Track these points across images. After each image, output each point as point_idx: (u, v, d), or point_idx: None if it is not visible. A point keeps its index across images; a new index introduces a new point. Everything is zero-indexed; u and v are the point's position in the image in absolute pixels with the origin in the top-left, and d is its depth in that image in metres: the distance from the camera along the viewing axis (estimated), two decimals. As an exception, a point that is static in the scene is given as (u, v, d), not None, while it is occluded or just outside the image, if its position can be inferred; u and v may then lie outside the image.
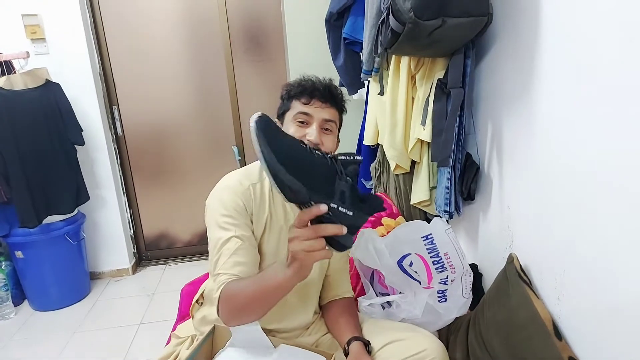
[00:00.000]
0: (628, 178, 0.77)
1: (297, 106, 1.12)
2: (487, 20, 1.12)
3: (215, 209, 1.11)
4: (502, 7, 1.17)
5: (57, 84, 2.50)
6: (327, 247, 0.81)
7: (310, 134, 1.09)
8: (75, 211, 2.62)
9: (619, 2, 0.77)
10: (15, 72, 2.45)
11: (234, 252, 1.04)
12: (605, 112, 0.82)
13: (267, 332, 1.11)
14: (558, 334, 0.99)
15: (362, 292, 1.40)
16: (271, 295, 0.95)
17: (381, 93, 1.48)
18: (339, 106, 1.17)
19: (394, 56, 1.52)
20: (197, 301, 1.29)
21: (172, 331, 1.40)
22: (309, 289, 1.23)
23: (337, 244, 0.82)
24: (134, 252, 3.08)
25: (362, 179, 2.15)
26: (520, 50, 1.10)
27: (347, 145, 2.22)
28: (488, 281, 1.38)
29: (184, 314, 1.49)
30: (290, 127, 1.12)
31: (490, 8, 1.12)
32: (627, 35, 0.75)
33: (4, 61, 2.43)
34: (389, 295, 1.30)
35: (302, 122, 1.11)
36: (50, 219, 2.49)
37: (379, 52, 1.39)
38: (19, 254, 2.49)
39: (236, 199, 1.11)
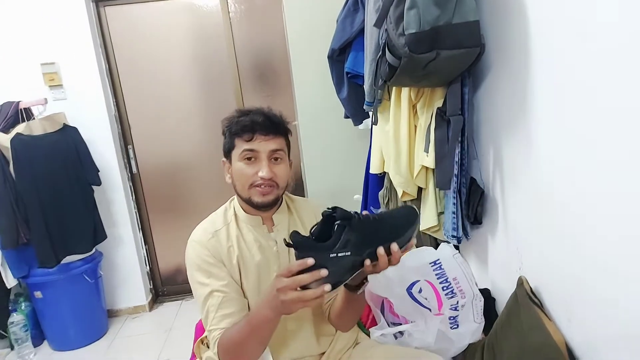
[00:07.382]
0: (632, 195, 0.78)
1: (240, 144, 1.13)
2: (479, 50, 1.16)
3: (189, 265, 1.14)
4: (494, 37, 1.21)
5: (74, 128, 2.60)
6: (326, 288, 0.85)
7: (262, 171, 1.10)
8: (93, 250, 2.67)
9: (602, 28, 0.80)
10: (34, 118, 2.56)
11: (219, 307, 1.07)
12: (598, 132, 0.84)
13: None
14: (572, 357, 0.98)
15: (373, 323, 1.40)
16: (261, 330, 0.98)
17: (375, 123, 1.53)
18: (283, 132, 1.17)
19: (394, 87, 1.56)
20: (202, 341, 1.30)
21: (188, 367, 1.41)
22: (304, 310, 1.17)
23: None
24: (150, 289, 3.10)
25: (371, 207, 2.17)
26: (513, 77, 1.14)
27: (355, 174, 2.26)
28: (501, 305, 1.37)
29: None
30: (239, 165, 1.13)
31: (482, 39, 1.16)
32: (613, 58, 0.78)
33: (24, 108, 2.54)
34: (400, 324, 1.30)
35: (249, 159, 1.12)
36: (69, 258, 2.54)
37: (379, 84, 1.43)
38: (38, 294, 2.53)
39: (203, 251, 1.13)
